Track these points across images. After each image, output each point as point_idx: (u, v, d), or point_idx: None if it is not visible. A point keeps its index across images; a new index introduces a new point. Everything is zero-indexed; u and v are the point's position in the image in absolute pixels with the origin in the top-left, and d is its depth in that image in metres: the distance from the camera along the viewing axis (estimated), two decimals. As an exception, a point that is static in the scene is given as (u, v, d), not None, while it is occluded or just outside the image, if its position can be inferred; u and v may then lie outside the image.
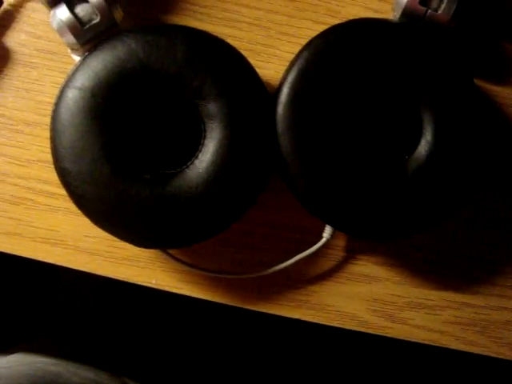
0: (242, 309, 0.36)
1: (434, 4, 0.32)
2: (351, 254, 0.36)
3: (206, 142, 0.31)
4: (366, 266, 0.36)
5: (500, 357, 0.36)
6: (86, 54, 0.31)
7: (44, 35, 0.35)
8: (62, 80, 0.35)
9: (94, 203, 0.31)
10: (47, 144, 0.32)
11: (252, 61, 0.32)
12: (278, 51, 0.35)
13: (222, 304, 0.36)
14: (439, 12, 0.32)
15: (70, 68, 0.32)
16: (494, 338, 0.36)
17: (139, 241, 0.32)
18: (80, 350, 0.54)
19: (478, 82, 0.36)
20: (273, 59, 0.35)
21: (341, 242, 0.36)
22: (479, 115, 0.32)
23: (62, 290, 0.66)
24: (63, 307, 0.66)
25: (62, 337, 0.60)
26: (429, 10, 0.32)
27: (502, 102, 0.36)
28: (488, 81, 0.36)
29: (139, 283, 0.35)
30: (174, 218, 0.31)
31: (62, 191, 0.32)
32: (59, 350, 0.48)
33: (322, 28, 0.35)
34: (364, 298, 0.36)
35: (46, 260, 0.35)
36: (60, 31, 0.31)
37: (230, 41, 0.32)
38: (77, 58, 0.32)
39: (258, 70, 0.32)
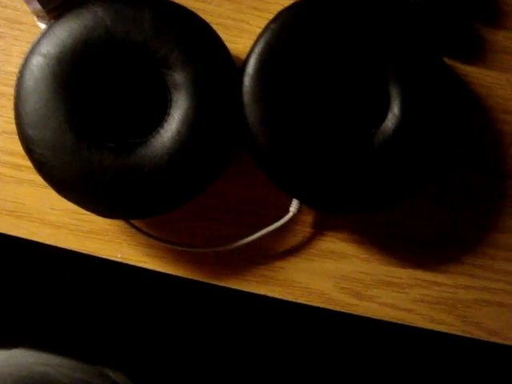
0: (223, 287, 0.36)
1: (403, -21, 0.32)
2: (319, 231, 0.36)
3: (171, 111, 0.31)
4: (333, 243, 0.36)
5: (466, 335, 0.36)
6: (52, 21, 0.31)
7: (11, 4, 0.35)
8: (29, 50, 0.35)
9: (56, 171, 0.30)
10: (13, 115, 0.31)
11: (222, 35, 0.32)
12: (248, 26, 0.35)
13: (203, 282, 0.36)
14: (408, -13, 0.32)
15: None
16: (461, 317, 0.36)
17: (101, 210, 0.31)
18: (64, 341, 0.53)
19: (449, 61, 0.36)
20: (243, 34, 0.35)
21: (308, 218, 0.36)
22: (447, 92, 0.33)
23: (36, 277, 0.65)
24: (40, 296, 0.65)
25: (45, 329, 0.59)
26: (397, -15, 0.32)
27: (473, 82, 0.37)
28: (459, 60, 0.37)
29: (105, 257, 0.35)
30: (136, 188, 0.30)
31: (28, 163, 0.31)
32: (43, 344, 0.47)
33: (291, 2, 0.35)
34: (331, 274, 0.36)
35: (9, 233, 0.35)
36: (26, -2, 0.31)
37: (200, 15, 0.32)
38: (43, 26, 0.32)
39: (228, 45, 0.32)
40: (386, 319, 0.36)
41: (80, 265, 0.62)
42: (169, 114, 0.31)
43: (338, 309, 0.36)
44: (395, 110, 0.32)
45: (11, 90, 0.35)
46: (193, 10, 0.33)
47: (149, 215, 0.32)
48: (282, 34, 0.31)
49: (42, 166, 0.31)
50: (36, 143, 0.30)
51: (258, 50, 0.31)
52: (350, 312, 0.36)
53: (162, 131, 0.31)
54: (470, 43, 0.37)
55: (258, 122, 0.31)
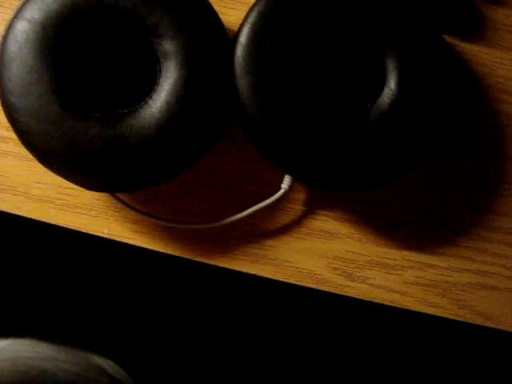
0: (212, 265, 0.35)
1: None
2: (311, 209, 0.35)
3: (161, 81, 0.30)
4: (326, 222, 0.35)
5: (460, 319, 0.36)
6: (38, -15, 0.30)
7: (-4, -31, 0.33)
8: (14, 17, 0.33)
9: (40, 140, 0.29)
10: (-2, 85, 0.30)
11: (216, 7, 0.31)
12: (242, -3, 0.34)
13: (193, 260, 0.35)
14: (407, -42, 0.31)
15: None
16: (455, 300, 0.36)
17: (86, 182, 0.30)
18: (58, 328, 0.52)
19: (448, 38, 0.35)
20: (236, 5, 0.34)
21: (300, 196, 0.35)
22: (445, 68, 0.32)
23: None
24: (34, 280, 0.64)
25: (46, 324, 0.58)
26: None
27: (473, 60, 0.36)
28: (459, 37, 0.36)
29: (91, 232, 0.34)
30: (123, 159, 0.29)
31: (12, 135, 0.31)
32: (41, 335, 0.46)
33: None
34: (323, 254, 0.35)
35: (-7, 206, 0.34)
36: (11, -39, 0.30)
37: (192, -16, 0.31)
38: (29, -9, 0.31)
39: (221, 17, 0.31)
40: (378, 301, 0.35)
41: (67, 241, 0.61)
42: (158, 84, 0.30)
43: (329, 290, 0.35)
44: (392, 84, 0.31)
45: (-4, 59, 0.34)
46: (185, -21, 0.32)
47: (135, 188, 0.31)
48: (276, 3, 0.30)
49: (26, 136, 0.29)
50: (19, 112, 0.29)
51: (251, 19, 0.30)
52: (342, 293, 0.35)
53: (150, 102, 0.30)
54: (470, 20, 0.36)
55: (250, 93, 0.30)
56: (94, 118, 0.29)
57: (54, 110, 0.29)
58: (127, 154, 0.29)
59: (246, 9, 0.34)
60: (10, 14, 0.33)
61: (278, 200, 0.33)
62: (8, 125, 0.30)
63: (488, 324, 0.36)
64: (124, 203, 0.33)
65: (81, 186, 0.30)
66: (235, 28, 0.34)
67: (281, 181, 0.33)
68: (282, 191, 0.33)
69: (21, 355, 0.40)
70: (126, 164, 0.29)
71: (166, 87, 0.30)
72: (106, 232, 0.34)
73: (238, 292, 0.62)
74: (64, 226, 0.34)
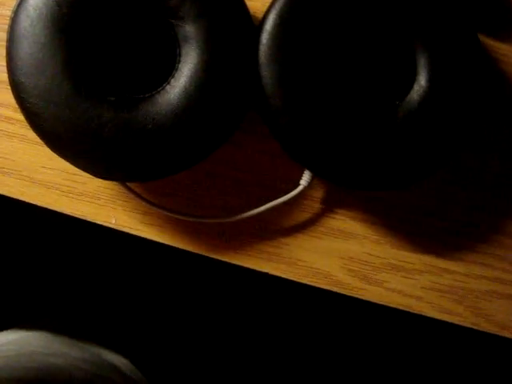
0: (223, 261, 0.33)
1: None
2: (329, 207, 0.33)
3: (180, 66, 0.28)
4: (343, 221, 0.33)
5: (475, 327, 0.34)
6: (54, -43, 0.28)
7: None
8: (26, -8, 0.32)
9: (50, 123, 0.28)
10: (5, 62, 0.28)
11: (239, -10, 0.29)
12: (267, -18, 0.32)
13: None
14: None
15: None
16: (472, 308, 0.34)
17: (97, 170, 0.29)
18: (75, 325, 0.51)
19: (480, 36, 0.34)
20: (261, -10, 0.33)
21: (319, 194, 0.33)
22: (477, 66, 0.30)
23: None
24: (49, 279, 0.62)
25: (61, 316, 0.57)
26: None
27: (504, 60, 0.34)
28: (490, 36, 0.34)
29: (97, 222, 0.33)
30: (137, 147, 0.28)
31: (20, 116, 0.29)
32: (56, 328, 0.45)
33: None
34: (339, 255, 0.34)
35: (-4, 190, 0.32)
36: None
37: (215, -35, 0.29)
38: (43, -36, 0.29)
39: (245, 1, 0.29)
40: (393, 305, 0.34)
41: (80, 231, 0.59)
42: (177, 69, 0.28)
43: (343, 292, 0.34)
44: (422, 81, 0.29)
45: (4, 36, 0.32)
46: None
47: (148, 179, 0.29)
48: (306, -11, 0.29)
49: (35, 118, 0.28)
50: (29, 92, 0.27)
51: (278, 5, 0.29)
52: (356, 296, 0.34)
53: (168, 87, 0.28)
54: (502, 19, 0.34)
55: (274, 82, 0.28)
56: (108, 102, 0.28)
57: (66, 92, 0.27)
58: (141, 142, 0.28)
59: (271, -6, 0.32)
60: (21, -13, 0.31)
61: (295, 197, 0.32)
62: (15, 105, 0.28)
63: (505, 334, 0.34)
64: (135, 193, 0.31)
65: (90, 174, 0.29)
66: (260, 14, 0.32)
67: (299, 177, 0.32)
68: (300, 188, 0.31)
69: (36, 351, 0.39)
70: (139, 152, 0.28)
71: (185, 73, 0.28)
72: (113, 222, 0.33)
73: (248, 288, 0.61)
74: (70, 214, 0.32)
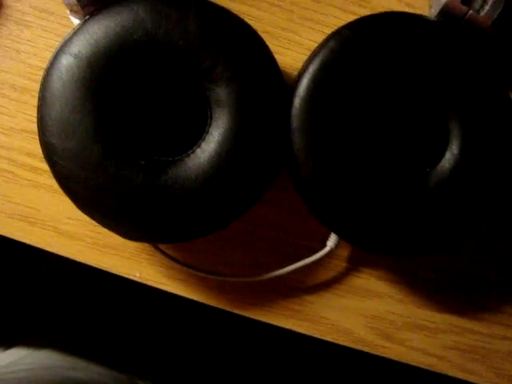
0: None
1: (477, 5, 0.29)
2: (354, 266, 0.33)
3: (211, 130, 0.28)
4: (368, 280, 0.33)
5: (498, 389, 0.34)
6: (87, 17, 0.28)
7: (41, -9, 0.31)
8: (57, 44, 0.31)
9: (80, 186, 0.27)
10: (35, 113, 0.28)
11: (269, 45, 0.29)
12: (298, 37, 0.32)
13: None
14: (481, 14, 0.29)
15: (68, 32, 0.28)
16: (494, 369, 0.34)
17: (127, 233, 0.28)
18: (93, 347, 0.51)
19: None
20: (292, 46, 0.32)
21: (344, 252, 0.33)
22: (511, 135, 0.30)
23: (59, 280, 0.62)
24: (63, 300, 0.62)
25: (74, 334, 0.57)
26: (470, 11, 0.29)
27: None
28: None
29: (122, 275, 0.33)
30: (167, 211, 0.28)
31: (46, 166, 0.29)
32: (74, 349, 0.45)
33: (349, 17, 0.32)
34: (362, 313, 0.33)
35: (22, 240, 0.32)
36: (59, -11, 0.28)
37: (247, 20, 0.29)
38: (76, 21, 0.29)
39: (275, 57, 0.29)
40: (415, 364, 0.34)
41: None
42: (208, 133, 0.28)
43: (365, 349, 0.34)
44: (455, 149, 0.29)
45: (35, 86, 0.32)
46: (240, 14, 0.30)
47: (177, 241, 0.29)
48: (341, 54, 0.28)
49: (64, 180, 0.28)
50: (59, 154, 0.27)
51: (312, 69, 0.28)
52: (377, 354, 0.34)
53: (198, 151, 0.28)
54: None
55: (305, 149, 0.28)
56: (138, 165, 0.28)
57: (96, 155, 0.27)
58: (172, 207, 0.27)
59: (301, 50, 0.32)
60: (53, 39, 0.31)
61: (321, 257, 0.31)
62: (42, 155, 0.28)
63: (526, 396, 0.34)
64: (163, 252, 0.31)
65: (121, 236, 0.29)
66: (288, 69, 0.32)
67: (326, 234, 0.32)
68: (327, 249, 0.31)
69: (56, 364, 0.39)
70: (169, 217, 0.28)
71: (216, 137, 0.28)
72: (137, 275, 0.33)
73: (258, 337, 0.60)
74: (95, 265, 0.32)
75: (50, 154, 0.28)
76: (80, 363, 0.41)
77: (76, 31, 0.28)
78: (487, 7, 0.29)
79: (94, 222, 0.32)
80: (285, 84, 0.29)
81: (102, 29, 0.27)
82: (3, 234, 0.32)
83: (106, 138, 0.27)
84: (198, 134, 0.28)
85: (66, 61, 0.27)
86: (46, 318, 0.61)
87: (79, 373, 0.39)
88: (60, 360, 0.41)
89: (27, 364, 0.39)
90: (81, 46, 0.27)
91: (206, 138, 0.28)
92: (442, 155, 0.29)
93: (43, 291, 0.62)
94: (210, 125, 0.28)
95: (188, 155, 0.28)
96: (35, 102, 0.31)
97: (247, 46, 0.28)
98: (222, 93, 0.28)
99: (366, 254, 0.33)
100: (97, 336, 0.57)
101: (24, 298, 0.61)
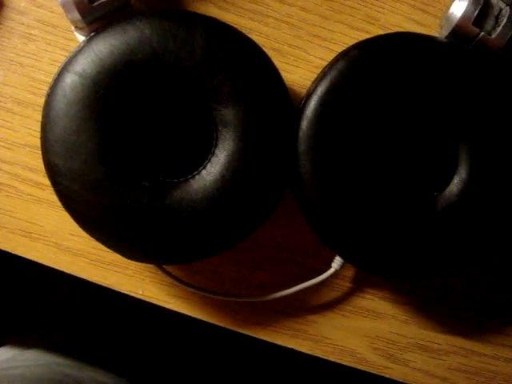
0: None
1: (489, 26, 0.29)
2: (358, 287, 0.33)
3: (216, 151, 0.28)
4: (372, 301, 0.33)
5: (501, 411, 0.34)
6: (92, 34, 0.27)
7: (46, 4, 0.31)
8: (62, 58, 0.31)
9: (83, 207, 0.27)
10: (38, 128, 0.28)
11: (276, 62, 0.29)
12: (306, 55, 0.32)
13: None
14: (493, 36, 0.28)
15: (73, 47, 0.28)
16: (498, 391, 0.34)
17: (131, 254, 0.28)
18: (91, 351, 0.51)
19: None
20: (300, 63, 0.32)
21: (349, 273, 0.33)
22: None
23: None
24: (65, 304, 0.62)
25: (73, 337, 0.57)
26: (482, 33, 0.28)
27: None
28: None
29: (125, 292, 0.32)
30: (172, 233, 0.27)
31: (49, 182, 0.28)
32: (76, 351, 0.45)
33: (357, 34, 0.32)
34: (366, 334, 0.33)
35: (24, 255, 0.32)
36: (64, 5, 0.27)
37: (254, 37, 0.29)
38: (81, 38, 0.29)
39: (282, 74, 0.28)
40: (417, 385, 0.34)
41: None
42: (213, 154, 0.28)
43: (368, 370, 0.33)
44: (463, 173, 0.29)
45: (39, 100, 0.31)
46: (247, 30, 0.30)
47: (183, 262, 0.29)
48: (350, 76, 0.28)
49: (67, 200, 0.27)
50: (62, 174, 0.27)
51: (320, 91, 0.28)
52: (380, 374, 0.33)
53: (203, 173, 0.28)
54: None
55: (312, 173, 0.28)
56: (142, 187, 0.27)
57: (100, 177, 0.27)
58: (176, 229, 0.27)
59: (309, 68, 0.32)
60: (58, 53, 0.31)
61: (326, 279, 0.31)
62: (44, 170, 0.28)
63: (530, 419, 0.34)
64: (167, 273, 0.31)
65: (124, 257, 0.28)
66: (295, 87, 0.32)
67: (331, 255, 0.31)
68: (332, 270, 0.31)
69: (51, 360, 0.39)
70: (174, 239, 0.27)
71: (221, 159, 0.27)
72: (140, 293, 0.32)
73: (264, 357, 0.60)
74: (97, 282, 0.32)
75: (53, 173, 0.27)
76: (79, 363, 0.41)
77: (81, 49, 0.27)
78: (499, 29, 0.28)
79: (96, 239, 0.32)
80: (292, 104, 0.29)
81: (107, 47, 0.27)
82: (5, 250, 0.32)
83: (111, 158, 0.27)
84: (204, 155, 0.28)
85: (71, 79, 0.27)
86: (44, 320, 0.61)
87: (74, 370, 0.39)
88: (59, 359, 0.41)
89: (23, 360, 0.39)
90: (85, 65, 0.27)
91: (212, 159, 0.28)
92: (451, 179, 0.29)
93: (44, 292, 0.62)
94: (215, 146, 0.28)
95: (193, 177, 0.28)
96: (39, 116, 0.31)
97: (254, 65, 0.28)
98: (228, 113, 0.27)
99: (371, 275, 0.33)
100: (95, 341, 0.56)
101: (22, 298, 0.61)
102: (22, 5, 0.31)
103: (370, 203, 0.28)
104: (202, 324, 0.33)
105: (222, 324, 0.33)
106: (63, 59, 0.28)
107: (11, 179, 0.32)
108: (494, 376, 0.34)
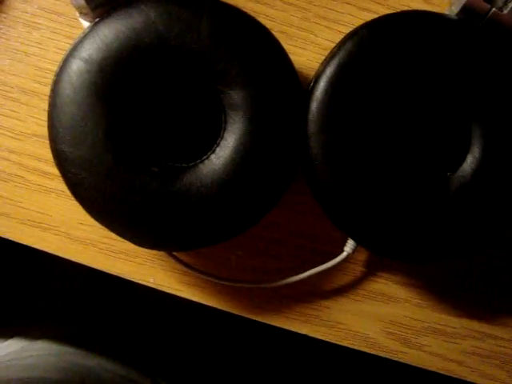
0: None
1: (500, 2, 0.28)
2: (371, 271, 0.32)
3: (225, 135, 0.27)
4: (385, 285, 0.33)
5: (518, 394, 0.34)
6: (97, 20, 0.27)
7: (50, -8, 0.31)
8: (67, 46, 0.31)
9: (91, 194, 0.27)
10: (45, 117, 0.28)
11: (284, 45, 0.28)
12: (314, 37, 0.31)
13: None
14: (504, 12, 0.28)
15: (78, 34, 0.27)
16: (514, 374, 0.34)
17: (141, 241, 0.28)
18: (98, 340, 0.51)
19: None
20: (307, 45, 0.31)
21: (361, 256, 0.32)
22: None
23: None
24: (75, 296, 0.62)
25: (80, 327, 0.57)
26: (493, 8, 0.28)
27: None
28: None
29: (135, 280, 0.32)
30: (182, 218, 0.27)
31: (57, 171, 0.28)
32: (84, 341, 0.45)
33: (365, 15, 0.31)
34: (380, 318, 0.33)
35: (34, 246, 0.32)
36: (69, -10, 0.27)
37: (261, 19, 0.28)
38: (85, 24, 0.28)
39: (290, 57, 0.28)
40: (433, 369, 0.33)
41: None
42: (222, 138, 0.27)
43: (383, 355, 0.33)
44: (476, 153, 0.28)
45: (45, 89, 0.31)
46: (254, 13, 0.29)
47: (192, 248, 0.28)
48: (359, 55, 0.27)
49: (76, 187, 0.27)
50: (70, 161, 0.27)
51: (329, 72, 0.27)
52: (395, 359, 0.33)
53: (212, 157, 0.27)
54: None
55: (323, 154, 0.27)
56: (151, 172, 0.27)
57: (108, 162, 0.27)
58: (186, 215, 0.27)
59: (317, 50, 0.31)
60: (63, 41, 0.31)
61: (339, 263, 0.31)
62: (53, 160, 0.28)
63: (548, 401, 0.34)
64: (177, 259, 0.30)
65: (134, 244, 0.28)
66: (303, 70, 0.31)
67: (343, 239, 0.31)
68: (344, 254, 0.31)
69: (65, 350, 0.39)
70: (184, 225, 0.27)
71: (230, 142, 0.27)
72: (151, 281, 0.32)
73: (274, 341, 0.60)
74: (108, 271, 0.32)
75: (62, 161, 0.27)
76: (88, 352, 0.41)
77: (86, 35, 0.27)
78: (511, 4, 0.28)
79: (106, 227, 0.31)
80: (301, 86, 0.28)
81: (112, 32, 0.27)
82: (15, 240, 0.32)
83: (119, 144, 0.27)
84: (212, 139, 0.28)
85: (76, 66, 0.27)
86: (49, 312, 0.61)
87: (88, 360, 0.39)
88: (68, 348, 0.41)
89: (34, 350, 0.38)
90: (91, 51, 0.27)
91: (221, 143, 0.27)
92: (464, 159, 0.28)
93: (48, 282, 0.61)
94: (224, 129, 0.28)
95: (202, 161, 0.28)
96: (45, 105, 0.30)
97: (262, 47, 0.27)
98: (236, 96, 0.27)
99: (384, 258, 0.32)
100: (102, 331, 0.56)
101: (28, 289, 0.61)
102: (26, -7, 0.31)
103: (382, 184, 0.28)
104: (210, 311, 0.33)
105: (234, 311, 0.32)
106: (68, 47, 0.27)
107: (19, 169, 0.32)
108: (509, 359, 0.33)
